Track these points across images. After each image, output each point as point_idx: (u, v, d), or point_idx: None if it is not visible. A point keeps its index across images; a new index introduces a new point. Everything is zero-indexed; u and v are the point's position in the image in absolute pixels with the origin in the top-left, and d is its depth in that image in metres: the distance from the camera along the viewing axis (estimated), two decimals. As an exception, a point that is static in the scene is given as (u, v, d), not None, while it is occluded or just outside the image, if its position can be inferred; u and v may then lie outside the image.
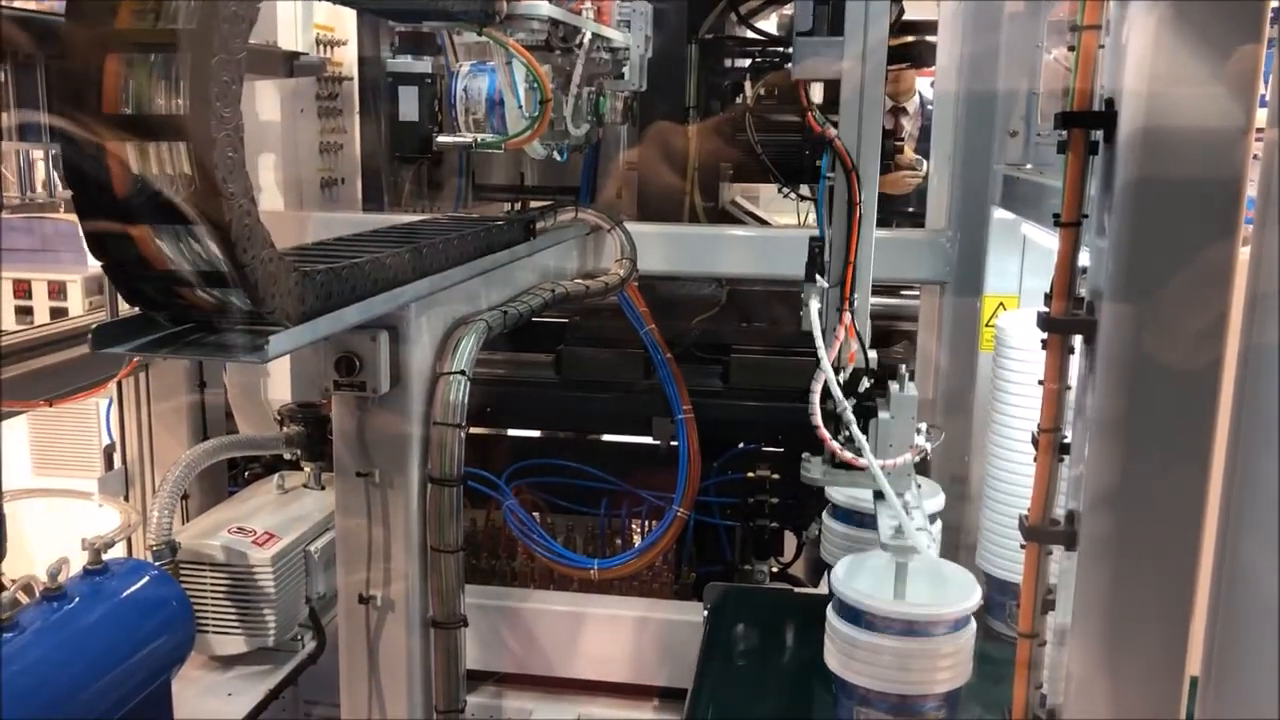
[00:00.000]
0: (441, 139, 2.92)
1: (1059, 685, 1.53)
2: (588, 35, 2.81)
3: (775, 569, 3.99)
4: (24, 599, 2.32)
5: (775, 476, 3.80)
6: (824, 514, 2.88)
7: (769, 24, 4.50)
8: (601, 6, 2.90)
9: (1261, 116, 1.21)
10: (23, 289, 4.11)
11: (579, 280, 2.93)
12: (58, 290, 4.10)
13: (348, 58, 3.97)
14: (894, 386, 2.46)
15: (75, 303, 4.12)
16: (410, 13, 2.29)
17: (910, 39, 4.00)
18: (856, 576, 2.28)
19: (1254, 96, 1.27)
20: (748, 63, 4.14)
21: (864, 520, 2.69)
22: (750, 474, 3.78)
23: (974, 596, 2.22)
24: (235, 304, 1.57)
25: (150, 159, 1.45)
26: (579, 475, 3.80)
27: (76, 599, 2.28)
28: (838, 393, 2.37)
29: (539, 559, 3.85)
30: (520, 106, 2.65)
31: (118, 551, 3.32)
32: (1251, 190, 1.24)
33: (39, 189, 3.86)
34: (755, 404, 3.80)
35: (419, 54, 3.76)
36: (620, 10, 3.11)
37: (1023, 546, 1.56)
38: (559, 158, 3.04)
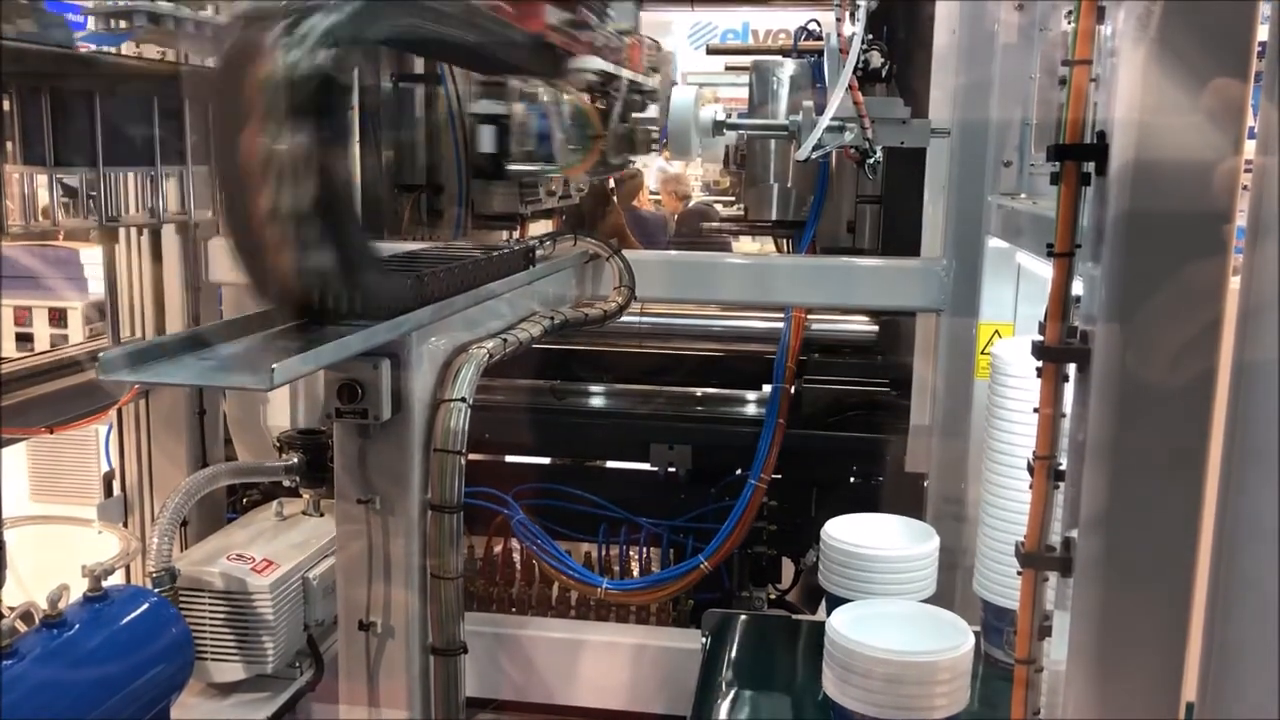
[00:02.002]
0: (512, 166, 3.56)
1: (1056, 712, 1.54)
2: (624, 81, 3.26)
3: (773, 596, 4.00)
4: (23, 626, 2.32)
5: (773, 503, 3.81)
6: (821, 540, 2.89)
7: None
8: (632, 55, 3.38)
9: (1249, 148, 1.23)
10: (23, 316, 4.13)
11: (578, 308, 2.96)
12: (58, 317, 4.12)
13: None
14: None
15: (75, 330, 4.14)
16: (489, 64, 2.57)
17: None
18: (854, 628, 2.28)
19: (1242, 128, 1.29)
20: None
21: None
22: (748, 500, 3.79)
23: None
24: None
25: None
26: (577, 501, 3.81)
27: (76, 626, 2.28)
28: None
29: (537, 584, 3.85)
30: (566, 140, 3.10)
31: (117, 578, 3.31)
32: (1241, 220, 1.26)
33: (41, 218, 3.88)
34: (753, 430, 3.82)
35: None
36: (648, 58, 3.65)
37: (1019, 573, 1.57)
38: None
